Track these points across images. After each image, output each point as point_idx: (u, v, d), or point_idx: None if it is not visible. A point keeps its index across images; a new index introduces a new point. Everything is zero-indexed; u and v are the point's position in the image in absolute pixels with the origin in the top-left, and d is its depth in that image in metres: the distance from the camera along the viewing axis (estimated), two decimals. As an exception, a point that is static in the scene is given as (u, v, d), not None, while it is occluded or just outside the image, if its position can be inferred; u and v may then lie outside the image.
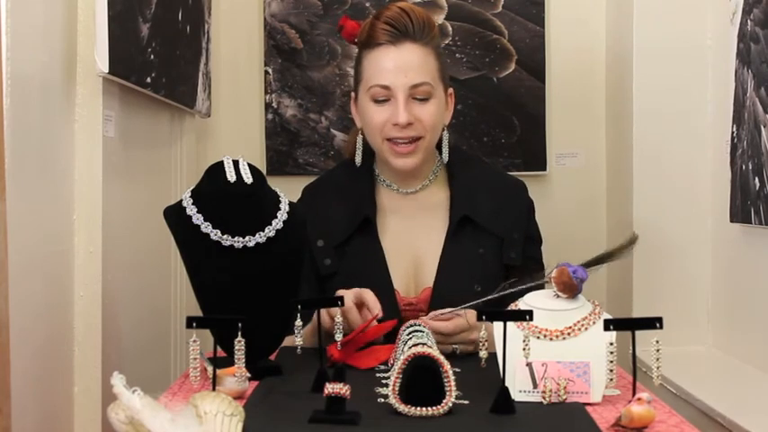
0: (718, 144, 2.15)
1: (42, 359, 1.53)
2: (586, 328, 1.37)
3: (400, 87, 1.73)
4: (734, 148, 1.99)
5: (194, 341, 1.29)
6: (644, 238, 2.28)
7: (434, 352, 1.27)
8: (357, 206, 1.81)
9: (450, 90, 1.86)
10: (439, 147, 1.86)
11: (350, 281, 1.72)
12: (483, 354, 1.39)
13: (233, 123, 2.60)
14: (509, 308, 1.41)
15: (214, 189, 1.47)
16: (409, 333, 1.51)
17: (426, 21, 1.77)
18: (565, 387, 1.30)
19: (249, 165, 1.50)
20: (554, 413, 1.26)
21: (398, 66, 1.73)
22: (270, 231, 1.47)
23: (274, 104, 2.59)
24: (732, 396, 1.77)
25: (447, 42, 2.55)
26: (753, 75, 1.88)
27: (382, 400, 1.30)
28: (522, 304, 1.40)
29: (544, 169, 2.58)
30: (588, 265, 1.48)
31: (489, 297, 1.52)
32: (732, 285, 2.12)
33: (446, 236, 1.80)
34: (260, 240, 1.46)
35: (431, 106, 1.76)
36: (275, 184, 1.57)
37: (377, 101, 1.76)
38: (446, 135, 1.85)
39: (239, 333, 1.30)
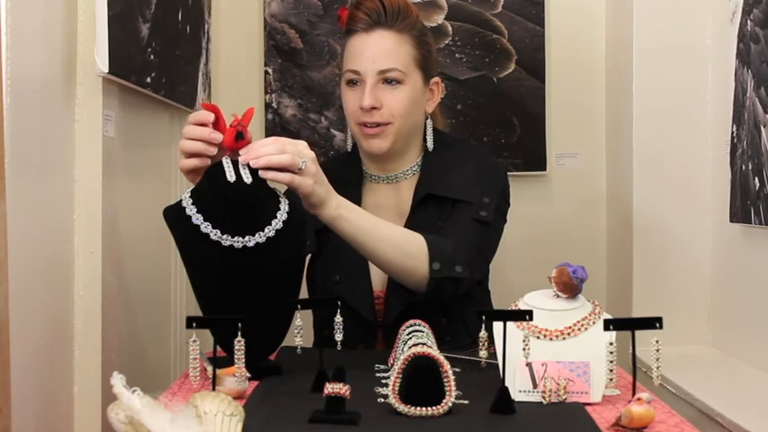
0: (718, 144, 2.15)
1: (42, 359, 1.53)
2: (586, 328, 1.36)
3: (369, 72, 1.76)
4: (734, 148, 1.99)
5: (194, 341, 1.29)
6: (644, 238, 2.30)
7: (434, 352, 1.27)
8: (341, 194, 1.81)
9: (436, 79, 1.86)
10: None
11: (330, 265, 1.79)
12: (483, 353, 1.39)
13: (233, 123, 2.60)
14: (509, 308, 1.41)
15: (213, 189, 1.47)
16: (409, 333, 1.51)
17: (402, 8, 1.79)
18: (565, 387, 1.30)
19: (248, 165, 1.50)
20: (554, 413, 1.26)
21: (368, 51, 1.77)
22: (270, 231, 1.47)
23: (274, 104, 2.59)
24: (732, 396, 1.77)
25: (447, 42, 2.55)
26: (753, 75, 1.88)
27: (382, 400, 1.29)
28: (521, 304, 1.40)
29: (544, 169, 2.58)
30: None
31: None
32: (732, 285, 2.12)
33: (407, 217, 1.79)
34: (260, 240, 1.46)
35: (400, 93, 1.77)
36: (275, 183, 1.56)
37: (350, 86, 1.80)
38: (429, 124, 1.86)
39: (239, 333, 1.30)
